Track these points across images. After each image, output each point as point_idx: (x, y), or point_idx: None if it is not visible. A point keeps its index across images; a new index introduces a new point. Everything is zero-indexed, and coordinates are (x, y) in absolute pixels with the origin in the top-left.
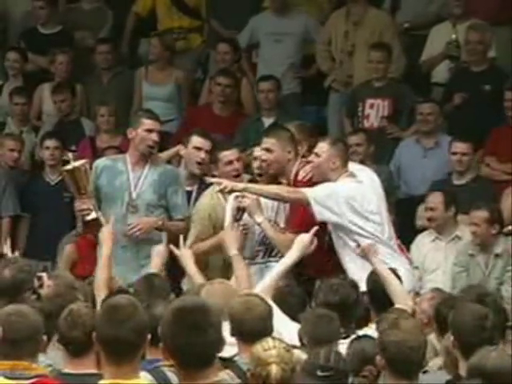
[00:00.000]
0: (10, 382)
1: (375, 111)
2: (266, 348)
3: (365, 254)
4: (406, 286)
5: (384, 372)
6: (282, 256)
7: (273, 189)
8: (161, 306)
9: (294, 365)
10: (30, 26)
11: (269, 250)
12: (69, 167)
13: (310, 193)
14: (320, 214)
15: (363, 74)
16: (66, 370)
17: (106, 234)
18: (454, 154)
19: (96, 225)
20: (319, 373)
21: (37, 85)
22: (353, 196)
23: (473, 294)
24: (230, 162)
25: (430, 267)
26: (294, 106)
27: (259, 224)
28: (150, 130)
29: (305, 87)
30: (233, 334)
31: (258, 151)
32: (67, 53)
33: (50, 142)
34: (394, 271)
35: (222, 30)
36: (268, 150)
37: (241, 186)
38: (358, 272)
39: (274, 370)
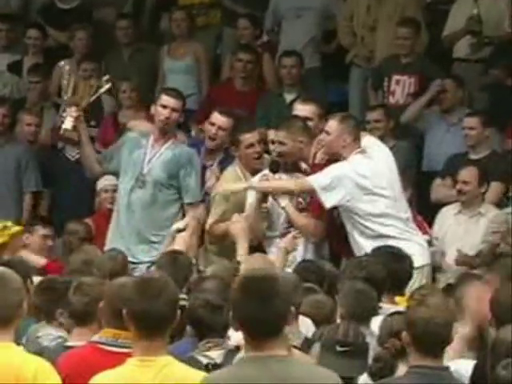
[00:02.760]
0: (115, 349)
1: (401, 88)
2: None
3: None
4: (421, 261)
5: (409, 348)
6: None
7: (280, 185)
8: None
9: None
10: (49, 1)
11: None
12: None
13: (314, 181)
14: (327, 201)
15: (385, 49)
16: (69, 343)
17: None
18: (463, 128)
19: (66, 137)
20: (338, 348)
21: (56, 61)
22: (361, 174)
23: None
24: (252, 145)
25: (449, 241)
26: (315, 81)
27: (283, 208)
28: (164, 106)
29: (325, 63)
30: None
31: (272, 134)
32: (86, 28)
33: None
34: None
35: (236, 8)
36: (280, 142)
37: (244, 185)
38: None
39: None
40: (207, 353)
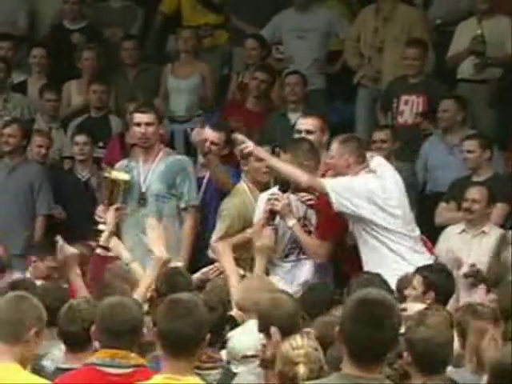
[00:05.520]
0: (112, 370)
1: (409, 107)
2: (295, 347)
3: None
4: None
5: (410, 368)
6: None
7: (293, 170)
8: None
9: (322, 364)
10: (57, 22)
11: (301, 248)
12: (111, 176)
13: (329, 183)
14: (337, 203)
15: (392, 69)
16: (63, 365)
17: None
18: (462, 152)
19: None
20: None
21: (60, 81)
22: (373, 190)
23: None
24: (261, 159)
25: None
26: (320, 102)
27: (291, 227)
28: (137, 124)
29: (330, 83)
30: (260, 331)
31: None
32: (94, 49)
33: (79, 138)
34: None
35: (244, 27)
36: None
37: (263, 155)
38: (375, 270)
39: (302, 370)
40: (201, 371)
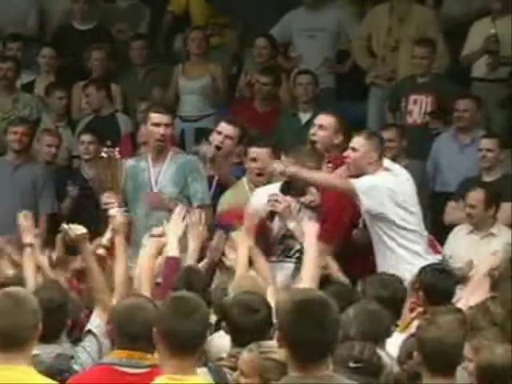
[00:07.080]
0: (128, 369)
1: (418, 107)
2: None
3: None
4: None
5: (420, 368)
6: (297, 257)
7: (324, 177)
8: None
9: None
10: (66, 22)
11: (286, 250)
12: (106, 156)
13: (357, 183)
14: (367, 204)
15: (407, 69)
16: None
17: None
18: (480, 150)
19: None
20: (352, 364)
21: (69, 81)
22: (393, 189)
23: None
24: (254, 160)
25: (461, 261)
26: (330, 102)
27: (291, 229)
28: (157, 124)
29: (339, 83)
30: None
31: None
32: (103, 49)
33: (85, 137)
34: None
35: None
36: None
37: (292, 169)
38: (388, 270)
39: None
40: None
